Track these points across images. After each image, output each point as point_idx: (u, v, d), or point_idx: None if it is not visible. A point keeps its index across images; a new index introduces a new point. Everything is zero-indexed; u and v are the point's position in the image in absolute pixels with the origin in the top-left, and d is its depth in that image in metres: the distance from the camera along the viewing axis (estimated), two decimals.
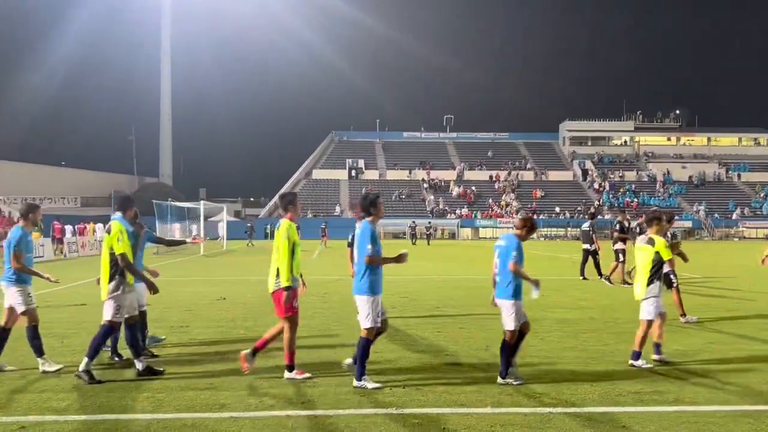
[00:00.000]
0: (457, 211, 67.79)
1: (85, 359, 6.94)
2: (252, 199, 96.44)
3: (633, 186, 74.30)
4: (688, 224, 65.34)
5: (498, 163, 79.79)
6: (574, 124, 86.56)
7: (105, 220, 40.29)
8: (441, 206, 68.63)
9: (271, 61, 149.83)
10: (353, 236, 11.20)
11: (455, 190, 72.50)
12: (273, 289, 7.04)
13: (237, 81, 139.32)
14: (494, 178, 76.33)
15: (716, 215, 67.10)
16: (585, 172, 78.48)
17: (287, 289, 6.90)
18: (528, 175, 78.00)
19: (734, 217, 66.77)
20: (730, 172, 78.30)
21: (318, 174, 77.55)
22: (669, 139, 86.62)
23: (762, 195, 71.84)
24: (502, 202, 70.27)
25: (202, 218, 39.56)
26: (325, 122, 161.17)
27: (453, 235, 64.76)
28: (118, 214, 7.42)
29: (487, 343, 8.83)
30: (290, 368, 7.06)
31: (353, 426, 5.45)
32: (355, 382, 6.68)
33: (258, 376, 7.12)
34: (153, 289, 7.43)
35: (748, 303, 13.34)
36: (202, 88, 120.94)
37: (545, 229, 63.83)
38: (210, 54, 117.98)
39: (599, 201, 70.45)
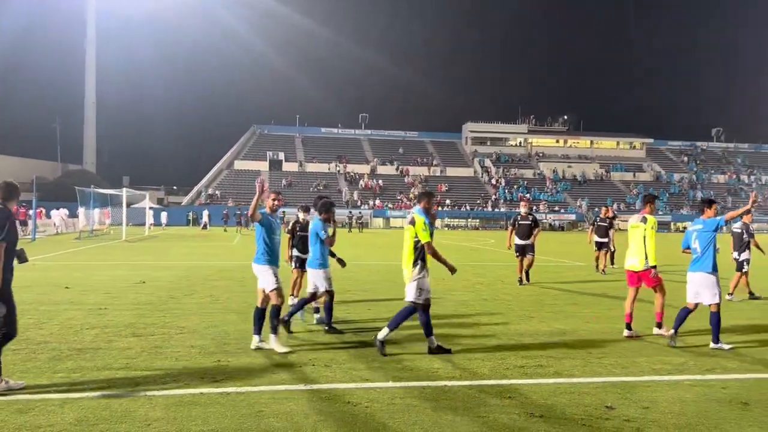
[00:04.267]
0: (370, 202, 68.06)
1: (385, 329, 7.12)
2: (175, 187, 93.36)
3: (526, 182, 76.89)
4: (572, 217, 68.96)
5: (407, 159, 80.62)
6: (475, 125, 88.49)
7: (26, 205, 37.95)
8: (355, 197, 68.70)
9: (196, 55, 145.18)
10: (294, 225, 11.01)
11: (365, 183, 72.81)
12: (641, 269, 8.10)
13: (163, 73, 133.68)
14: (404, 173, 77.12)
15: (596, 209, 70.44)
16: (484, 169, 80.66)
17: (654, 267, 8.02)
18: (434, 171, 79.20)
19: None
20: (609, 171, 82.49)
21: (239, 165, 75.80)
22: (557, 142, 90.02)
23: (635, 192, 76.08)
24: (411, 195, 71.10)
25: (124, 205, 37.97)
26: (247, 116, 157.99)
27: (366, 224, 65.01)
28: (417, 207, 7.30)
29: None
30: (659, 325, 8.28)
31: (264, 402, 5.33)
32: (712, 345, 7.58)
33: (177, 354, 6.87)
34: (453, 269, 7.17)
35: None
36: (128, 79, 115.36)
37: (449, 220, 65.25)
38: (136, 47, 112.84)
39: (495, 195, 72.63)
